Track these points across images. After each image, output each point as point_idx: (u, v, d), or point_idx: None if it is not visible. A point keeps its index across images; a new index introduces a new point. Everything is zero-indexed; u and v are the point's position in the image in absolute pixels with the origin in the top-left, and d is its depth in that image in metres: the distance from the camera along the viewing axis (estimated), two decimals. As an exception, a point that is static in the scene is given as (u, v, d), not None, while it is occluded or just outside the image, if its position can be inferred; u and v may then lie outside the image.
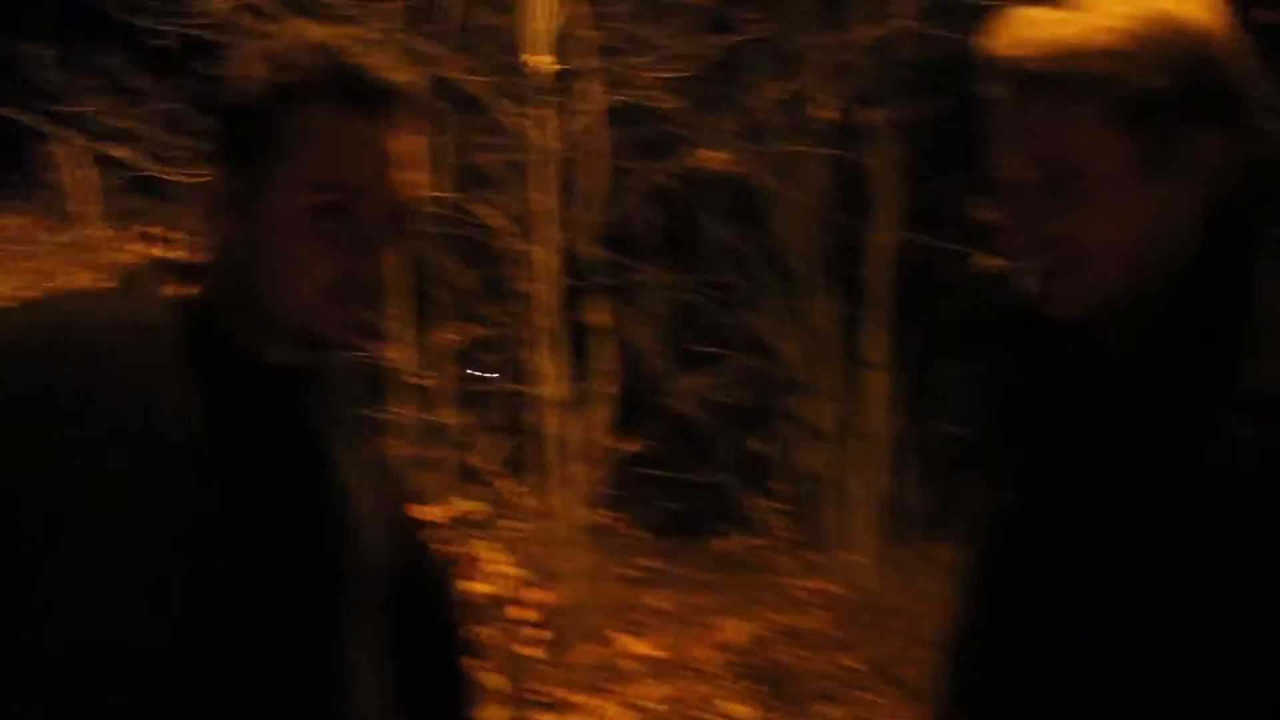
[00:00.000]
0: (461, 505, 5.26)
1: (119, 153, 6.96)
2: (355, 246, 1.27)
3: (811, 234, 10.83)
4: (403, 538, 1.48)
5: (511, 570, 5.00)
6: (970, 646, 1.36)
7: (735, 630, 6.47)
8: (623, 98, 8.25)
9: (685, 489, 10.00)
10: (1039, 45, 1.17)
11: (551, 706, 5.15)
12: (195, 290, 1.35)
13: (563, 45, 7.30)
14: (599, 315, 7.38)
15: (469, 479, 7.44)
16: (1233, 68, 1.18)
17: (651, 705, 5.01)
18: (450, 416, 7.16)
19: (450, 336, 9.11)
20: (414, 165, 1.31)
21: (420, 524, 1.56)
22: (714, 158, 7.72)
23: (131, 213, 7.97)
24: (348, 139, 1.26)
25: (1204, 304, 1.16)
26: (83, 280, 7.44)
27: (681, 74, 8.42)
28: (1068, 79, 1.15)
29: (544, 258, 6.87)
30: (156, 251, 7.27)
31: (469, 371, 8.25)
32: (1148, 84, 1.14)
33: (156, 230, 7.25)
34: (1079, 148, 1.16)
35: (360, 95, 1.26)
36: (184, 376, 1.26)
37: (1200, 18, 1.17)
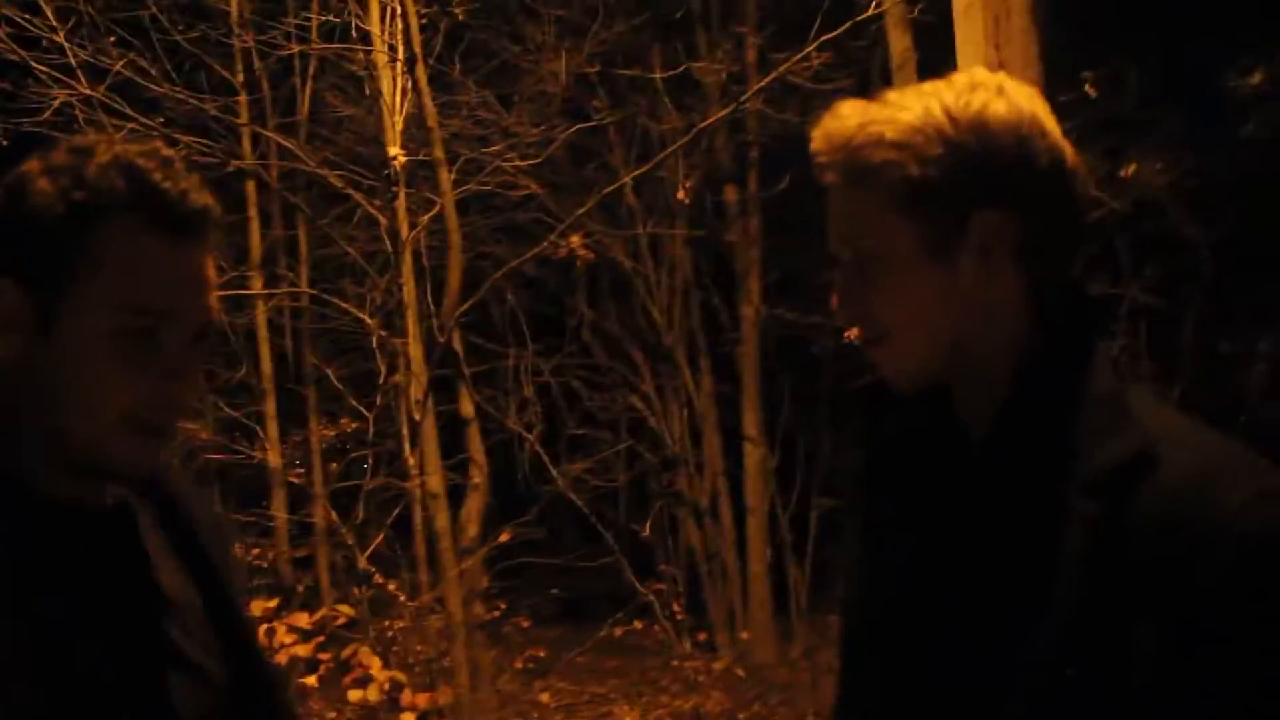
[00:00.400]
0: (338, 609, 5.00)
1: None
2: (162, 371, 1.18)
3: (680, 312, 10.90)
4: (241, 657, 1.35)
5: (392, 674, 4.76)
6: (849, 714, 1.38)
7: (633, 718, 6.29)
8: (479, 186, 8.21)
9: (572, 575, 9.81)
10: (835, 137, 1.24)
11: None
12: None
13: (412, 136, 7.24)
14: (465, 405, 7.24)
15: (344, 579, 7.16)
16: (1028, 149, 1.21)
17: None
18: (323, 515, 6.89)
19: (321, 433, 8.86)
20: (213, 284, 1.23)
21: (254, 635, 1.43)
22: (575, 243, 7.71)
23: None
24: (154, 261, 1.18)
25: (1041, 384, 1.20)
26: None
27: (535, 160, 8.42)
28: (853, 169, 1.23)
29: (409, 349, 6.72)
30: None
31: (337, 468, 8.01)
32: (920, 172, 1.20)
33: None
34: (872, 232, 1.23)
35: (166, 215, 1.19)
36: None
37: (993, 106, 1.21)
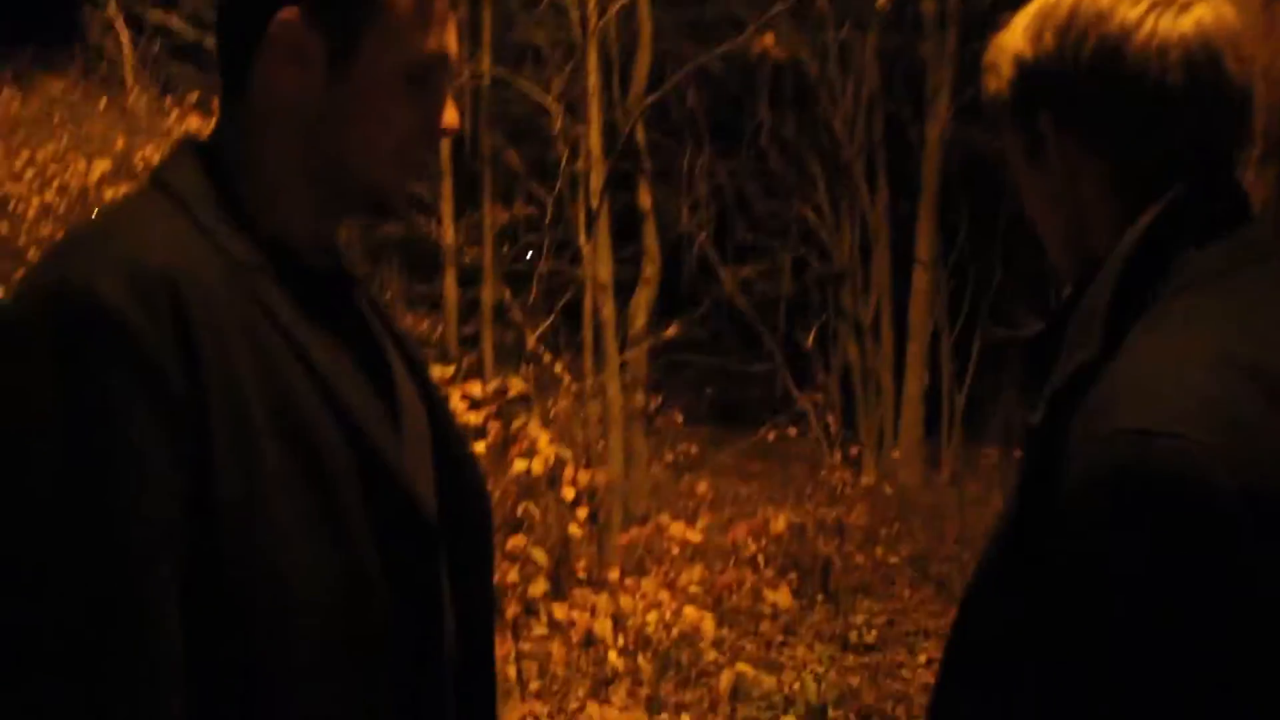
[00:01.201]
0: (509, 382, 5.17)
1: (158, 18, 6.81)
2: (430, 110, 1.24)
3: (863, 124, 10.60)
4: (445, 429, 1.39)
5: (557, 450, 4.93)
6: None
7: (777, 520, 6.43)
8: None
9: (729, 378, 9.93)
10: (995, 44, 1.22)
11: (594, 584, 5.13)
12: (221, 159, 1.23)
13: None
14: (644, 197, 7.24)
15: (512, 357, 7.38)
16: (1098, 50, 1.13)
17: (693, 588, 4.96)
18: (492, 294, 7.07)
19: (495, 214, 9.02)
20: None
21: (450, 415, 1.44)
22: (768, 42, 7.47)
23: (174, 79, 7.85)
24: (434, 7, 1.23)
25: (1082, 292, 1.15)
26: (119, 147, 7.33)
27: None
28: (995, 76, 1.21)
29: (590, 138, 6.71)
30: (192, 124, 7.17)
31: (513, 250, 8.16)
32: (1026, 63, 1.17)
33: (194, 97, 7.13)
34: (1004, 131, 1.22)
35: None
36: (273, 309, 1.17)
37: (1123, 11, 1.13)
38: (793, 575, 6.78)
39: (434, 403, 1.36)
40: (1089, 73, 1.13)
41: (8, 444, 1.07)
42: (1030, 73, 1.18)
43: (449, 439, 1.36)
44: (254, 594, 1.10)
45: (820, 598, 6.91)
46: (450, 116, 1.26)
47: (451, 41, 1.25)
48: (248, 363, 1.12)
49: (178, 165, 1.22)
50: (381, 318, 1.35)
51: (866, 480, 9.02)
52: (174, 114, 7.48)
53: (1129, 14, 1.11)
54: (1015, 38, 1.19)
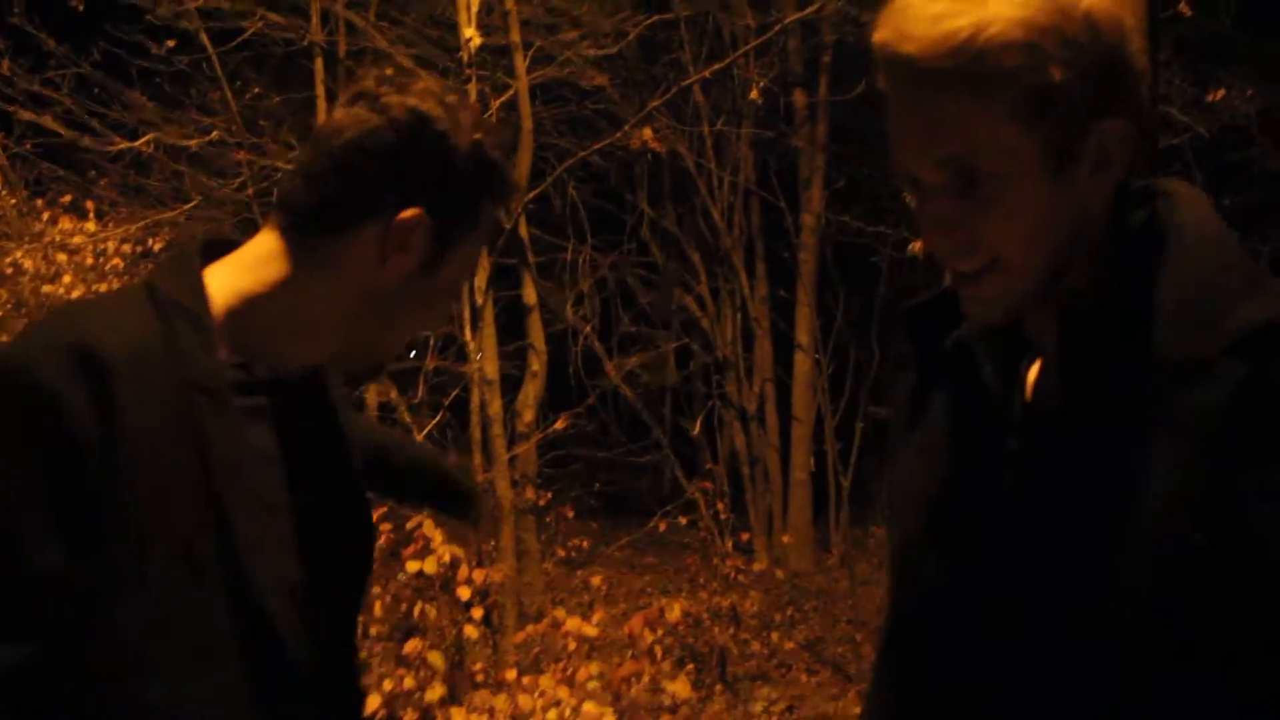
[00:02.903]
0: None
1: (27, 116, 6.67)
2: (433, 322, 1.49)
3: (740, 214, 10.82)
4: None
5: (451, 549, 4.85)
6: (908, 648, 1.29)
7: (672, 609, 6.39)
8: (553, 73, 8.13)
9: (618, 469, 9.92)
10: (935, 39, 1.07)
11: (491, 686, 5.03)
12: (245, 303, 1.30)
13: (487, 20, 7.15)
14: (529, 292, 7.26)
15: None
16: (1131, 52, 1.11)
17: (591, 684, 4.89)
18: (377, 393, 6.97)
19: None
20: None
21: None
22: (647, 135, 7.60)
23: (45, 180, 7.67)
24: (492, 231, 1.41)
25: (1145, 262, 1.12)
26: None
27: (607, 51, 8.31)
28: (976, 76, 1.07)
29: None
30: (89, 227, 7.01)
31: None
32: (1052, 78, 1.07)
33: (66, 199, 6.99)
34: (990, 146, 1.08)
35: (505, 200, 1.39)
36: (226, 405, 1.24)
37: (1092, 1, 1.09)
38: (690, 665, 6.73)
39: (361, 511, 1.42)
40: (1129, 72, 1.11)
41: None
42: (1101, 70, 1.09)
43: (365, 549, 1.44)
44: (111, 684, 1.13)
45: (718, 687, 6.87)
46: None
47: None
48: (165, 466, 1.17)
49: (170, 271, 1.27)
50: (335, 427, 1.40)
51: (758, 566, 9.05)
52: (45, 215, 7.30)
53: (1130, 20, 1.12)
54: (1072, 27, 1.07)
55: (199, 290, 1.25)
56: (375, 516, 4.78)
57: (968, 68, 1.06)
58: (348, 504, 1.39)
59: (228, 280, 1.28)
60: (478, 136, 1.29)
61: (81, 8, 6.63)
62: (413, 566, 4.71)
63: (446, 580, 4.92)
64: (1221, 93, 6.86)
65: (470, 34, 6.82)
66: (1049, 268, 1.13)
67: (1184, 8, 5.73)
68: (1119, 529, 1.08)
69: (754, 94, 8.36)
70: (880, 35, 1.10)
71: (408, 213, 1.26)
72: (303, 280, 1.28)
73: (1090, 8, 1.08)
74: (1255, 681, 1.06)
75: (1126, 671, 1.08)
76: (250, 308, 1.27)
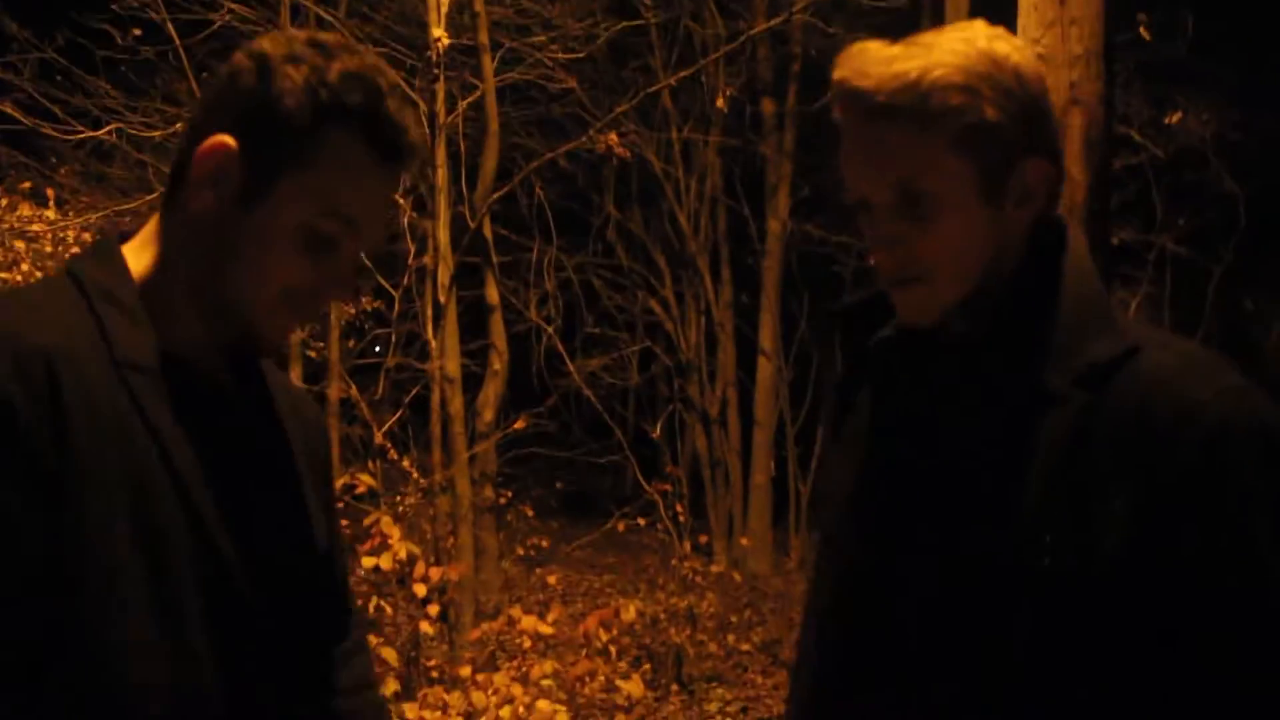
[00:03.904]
0: (358, 478, 5.10)
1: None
2: (332, 277, 1.27)
3: (706, 220, 10.89)
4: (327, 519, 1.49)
5: (408, 546, 4.87)
6: (822, 622, 1.45)
7: (628, 609, 6.44)
8: (520, 76, 8.16)
9: (578, 470, 9.95)
10: (888, 78, 1.25)
11: (445, 682, 5.06)
12: (143, 268, 1.28)
13: (458, 20, 7.18)
14: (491, 291, 7.29)
15: (360, 453, 7.28)
16: (1046, 101, 1.31)
17: (546, 682, 4.93)
18: (337, 390, 6.97)
19: (341, 308, 8.91)
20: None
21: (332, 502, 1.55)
22: (612, 140, 7.67)
23: (3, 165, 7.61)
24: (361, 175, 1.27)
25: (1034, 297, 1.30)
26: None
27: (576, 55, 8.35)
28: (920, 110, 1.24)
29: (438, 232, 6.74)
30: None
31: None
32: (987, 116, 1.25)
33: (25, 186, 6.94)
34: (928, 172, 1.25)
35: (385, 139, 1.27)
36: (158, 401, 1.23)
37: (1018, 57, 1.29)
38: (646, 666, 6.77)
39: (302, 511, 1.41)
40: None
41: None
42: (1026, 114, 1.27)
43: (308, 543, 1.41)
44: (88, 671, 1.14)
45: (674, 688, 6.92)
46: (346, 287, 1.31)
47: (373, 215, 1.29)
48: (114, 452, 1.17)
49: (93, 257, 1.27)
50: (277, 430, 1.40)
51: (717, 568, 9.10)
52: (4, 202, 7.24)
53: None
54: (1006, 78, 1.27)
55: (124, 273, 1.26)
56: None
57: (915, 103, 1.24)
58: (280, 492, 1.37)
59: (133, 264, 1.28)
60: (320, 67, 1.24)
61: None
62: (369, 562, 4.73)
63: (403, 577, 4.95)
64: (1178, 115, 7.01)
65: (439, 34, 6.84)
66: (971, 284, 1.31)
67: (1143, 31, 5.87)
68: (988, 529, 1.26)
69: (720, 102, 8.44)
70: (840, 73, 1.29)
71: (218, 138, 1.24)
72: (164, 248, 1.28)
73: (1018, 63, 1.28)
74: (1110, 671, 1.21)
75: (1006, 649, 1.24)
76: (149, 287, 1.27)
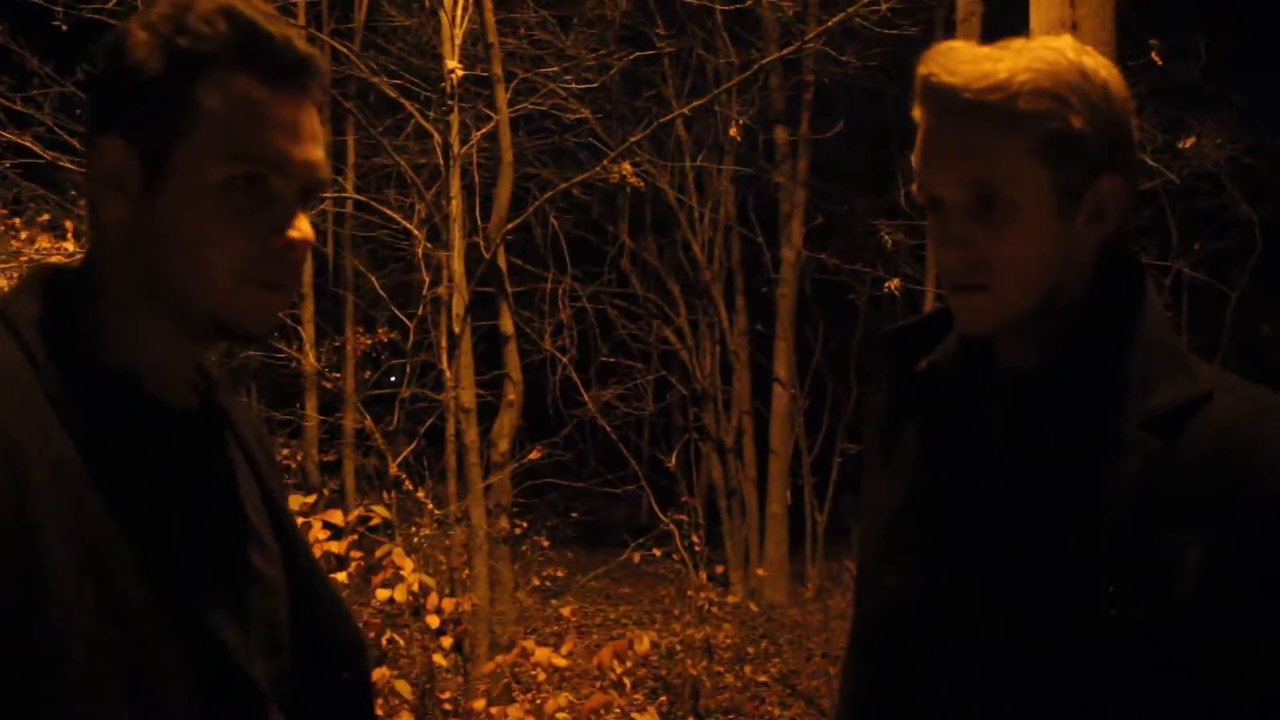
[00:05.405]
0: (372, 509, 5.08)
1: (8, 136, 6.67)
2: (272, 225, 1.15)
3: (720, 248, 10.90)
4: (301, 567, 1.35)
5: (421, 577, 4.84)
6: (865, 653, 1.43)
7: (642, 641, 6.39)
8: (534, 106, 8.19)
9: (594, 500, 9.92)
10: (976, 76, 1.24)
11: (459, 715, 5.02)
12: (69, 300, 1.18)
13: (471, 51, 7.22)
14: (506, 321, 7.29)
15: (374, 484, 7.27)
16: (1129, 120, 1.30)
17: (560, 715, 4.89)
18: (353, 421, 6.98)
19: (357, 339, 8.95)
20: (320, 140, 1.20)
21: (306, 544, 1.40)
22: (626, 170, 7.68)
23: (24, 199, 7.67)
24: (259, 107, 1.15)
25: (1103, 328, 1.27)
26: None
27: (590, 85, 8.39)
28: (1006, 111, 1.22)
29: (453, 262, 6.76)
30: (62, 245, 6.98)
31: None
32: (1074, 126, 1.24)
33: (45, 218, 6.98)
34: (1007, 174, 1.23)
35: (270, 62, 1.15)
36: (60, 424, 1.10)
37: (1106, 73, 1.27)
38: (662, 698, 6.72)
39: (291, 542, 1.31)
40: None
41: None
42: (1111, 131, 1.25)
43: (307, 580, 1.31)
44: None
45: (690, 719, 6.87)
46: (298, 228, 1.18)
47: (290, 144, 1.17)
48: (56, 512, 1.06)
49: (19, 295, 1.17)
50: (246, 452, 1.30)
51: (733, 598, 9.05)
52: (23, 235, 7.28)
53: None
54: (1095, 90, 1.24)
55: (43, 303, 1.16)
56: (345, 544, 4.79)
57: (1002, 103, 1.23)
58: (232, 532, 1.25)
59: (62, 301, 1.19)
60: (173, 17, 1.14)
61: (66, 27, 6.67)
62: (382, 594, 4.70)
63: (417, 608, 4.93)
64: (1192, 140, 7.00)
65: (453, 66, 6.88)
66: (1034, 299, 1.27)
67: (1155, 56, 5.86)
68: (1045, 574, 1.22)
69: (734, 131, 8.45)
70: (926, 68, 1.27)
71: (103, 140, 1.15)
72: (96, 269, 1.20)
73: (1106, 79, 1.26)
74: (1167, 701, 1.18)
75: (1055, 685, 1.21)
76: (82, 319, 1.17)
